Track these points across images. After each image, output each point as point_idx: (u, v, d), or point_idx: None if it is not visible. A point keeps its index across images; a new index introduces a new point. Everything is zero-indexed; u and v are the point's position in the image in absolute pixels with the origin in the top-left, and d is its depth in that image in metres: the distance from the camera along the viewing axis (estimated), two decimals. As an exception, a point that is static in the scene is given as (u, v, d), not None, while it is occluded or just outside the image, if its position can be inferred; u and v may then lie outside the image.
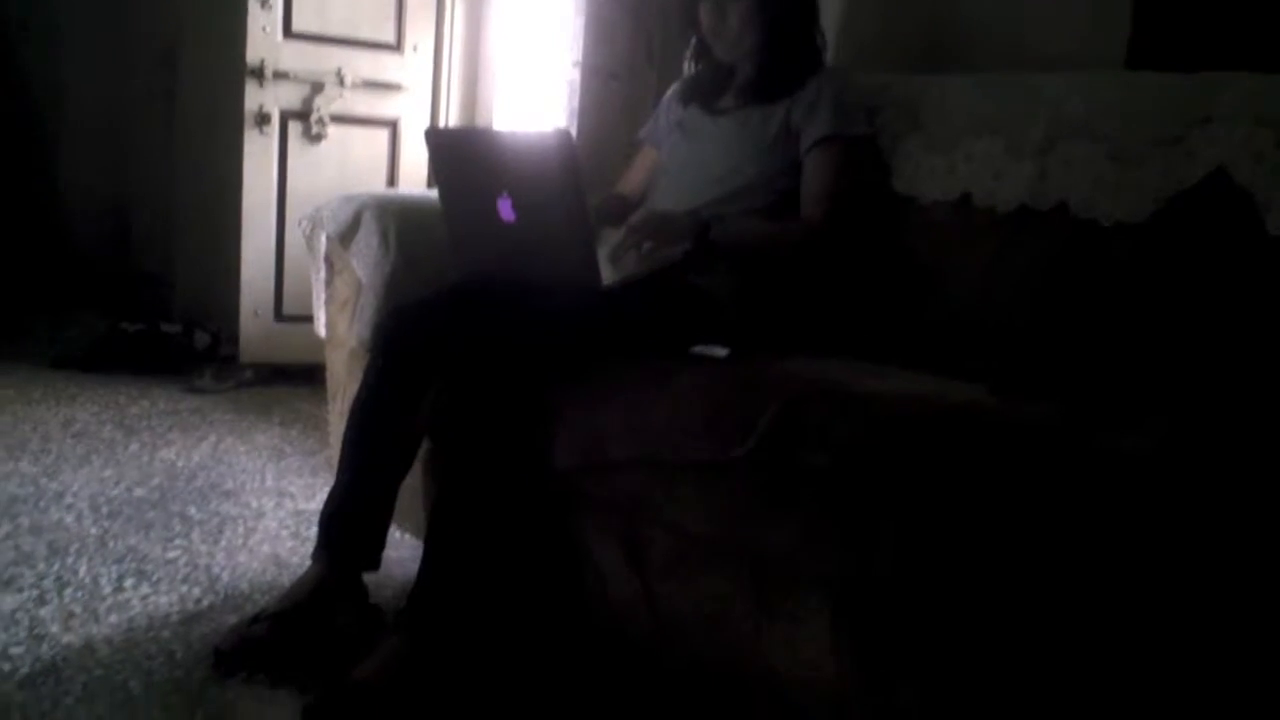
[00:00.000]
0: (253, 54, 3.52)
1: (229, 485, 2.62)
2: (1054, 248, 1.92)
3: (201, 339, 3.94)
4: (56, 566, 2.06)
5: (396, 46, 3.73)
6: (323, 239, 2.32)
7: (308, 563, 1.88)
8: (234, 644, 1.76)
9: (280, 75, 3.55)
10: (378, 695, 1.62)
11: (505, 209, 1.81)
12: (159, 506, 2.43)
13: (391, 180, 3.78)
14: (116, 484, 2.56)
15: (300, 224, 2.43)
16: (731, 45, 2.12)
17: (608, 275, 1.88)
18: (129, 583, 2.02)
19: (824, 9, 2.22)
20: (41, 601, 1.91)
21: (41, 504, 2.39)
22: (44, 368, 3.67)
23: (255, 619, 1.80)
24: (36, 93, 4.52)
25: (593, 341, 1.83)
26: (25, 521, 2.28)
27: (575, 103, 2.89)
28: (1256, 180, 1.71)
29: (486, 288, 1.90)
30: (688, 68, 2.29)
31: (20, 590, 1.95)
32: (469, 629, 1.72)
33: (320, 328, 2.42)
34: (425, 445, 1.89)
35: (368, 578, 1.88)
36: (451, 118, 3.88)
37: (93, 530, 2.26)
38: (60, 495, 2.45)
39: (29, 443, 2.82)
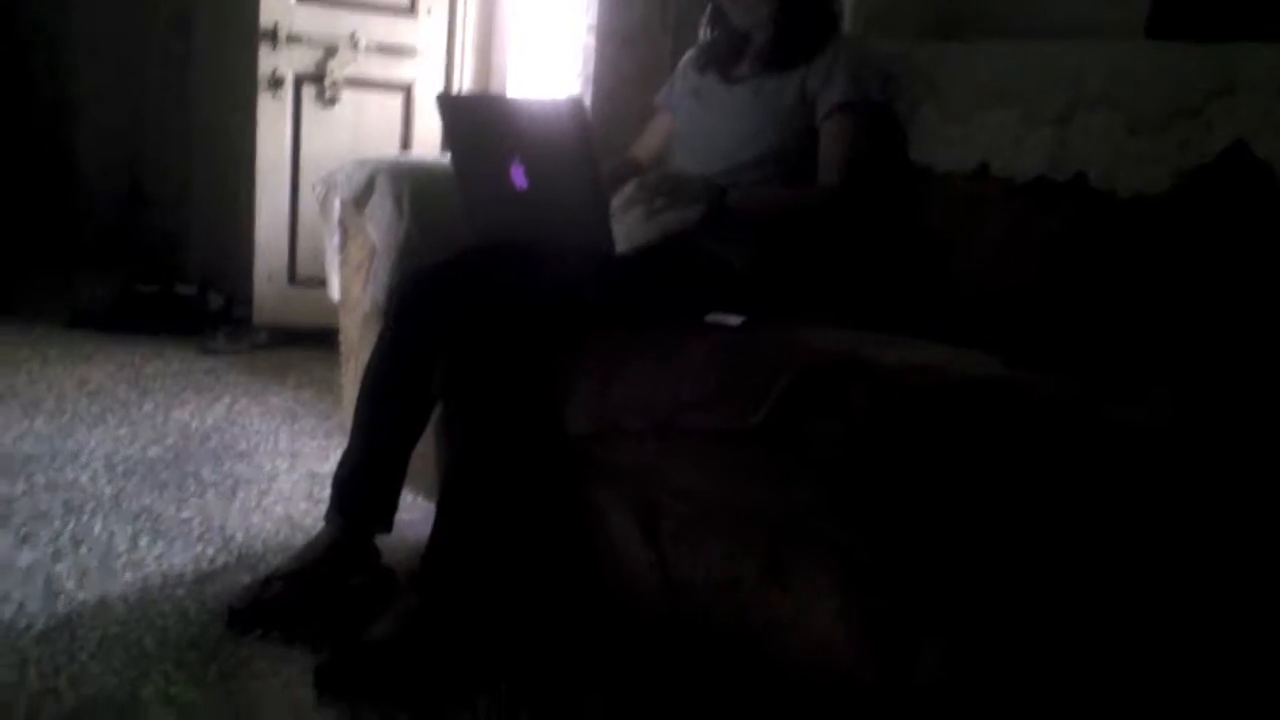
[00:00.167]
0: (266, 17, 3.52)
1: (243, 446, 2.64)
2: (1071, 219, 1.90)
3: (215, 301, 3.96)
4: (72, 524, 2.08)
5: (411, 10, 3.72)
6: (336, 203, 2.31)
7: (321, 524, 1.89)
8: (248, 603, 1.78)
9: (294, 38, 3.54)
10: (390, 655, 1.63)
11: (518, 175, 1.81)
12: (173, 466, 2.45)
13: (405, 145, 3.78)
14: (131, 443, 2.58)
15: (314, 188, 2.43)
16: (748, 11, 2.10)
17: (620, 241, 1.87)
18: (144, 541, 2.03)
19: (840, -25, 2.20)
20: (57, 558, 1.93)
21: (57, 462, 2.40)
22: (60, 327, 3.70)
23: (269, 579, 1.81)
24: (51, 55, 4.52)
25: (606, 308, 1.82)
26: (41, 479, 2.29)
27: (589, 68, 2.89)
28: (1277, 153, 1.70)
29: (500, 253, 1.90)
30: (703, 33, 2.28)
31: (36, 547, 1.97)
32: (481, 591, 1.74)
33: (334, 291, 2.42)
34: (438, 409, 1.90)
35: (380, 540, 1.89)
36: (465, 83, 3.86)
37: (108, 489, 2.28)
38: (76, 454, 2.47)
39: (44, 402, 2.84)
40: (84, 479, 2.32)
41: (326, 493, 1.90)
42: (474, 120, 1.94)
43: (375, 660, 1.63)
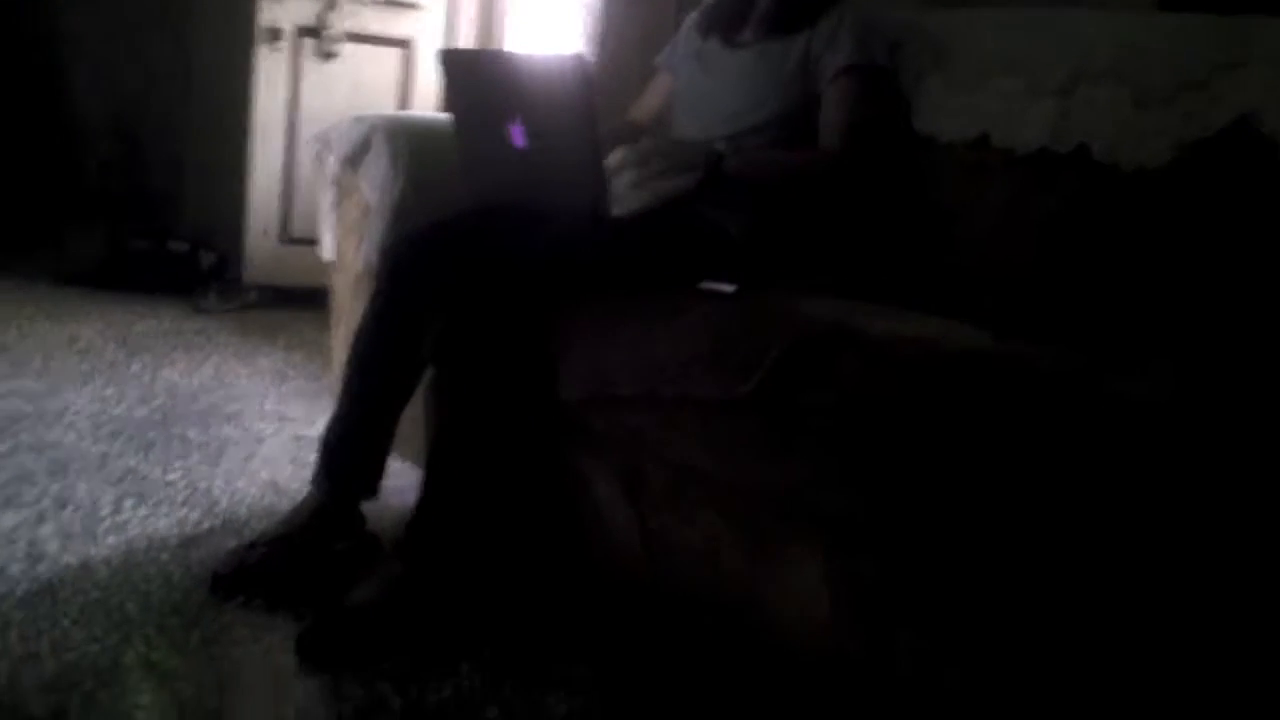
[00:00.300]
0: (267, -34, 3.47)
1: (230, 408, 2.62)
2: (1073, 191, 1.87)
3: (207, 258, 3.92)
4: (56, 486, 2.06)
5: (413, -37, 3.67)
6: (332, 161, 2.28)
7: (307, 488, 1.87)
8: (232, 568, 1.76)
9: (294, -11, 3.50)
10: (373, 621, 1.63)
11: (517, 134, 1.78)
12: (160, 428, 2.42)
13: (404, 103, 3.74)
14: (118, 404, 2.55)
15: (310, 144, 2.40)
16: (752, -29, 2.06)
17: (617, 205, 1.85)
18: (128, 504, 2.01)
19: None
20: (40, 520, 1.91)
21: (43, 422, 2.38)
22: (50, 284, 3.67)
23: (253, 544, 1.80)
24: (45, 6, 4.46)
25: (600, 272, 1.80)
26: (26, 439, 2.27)
27: (593, 27, 2.84)
28: (1282, 128, 1.67)
29: (495, 214, 1.87)
30: (707, -7, 2.24)
31: (20, 509, 1.95)
32: (465, 559, 1.72)
33: (326, 251, 2.39)
34: (428, 374, 1.87)
35: (366, 506, 1.88)
36: (467, 39, 3.81)
37: (93, 450, 2.25)
38: (61, 413, 2.44)
39: (32, 359, 2.81)
40: (69, 439, 2.30)
41: (313, 457, 1.88)
42: (475, 77, 1.91)
43: (358, 627, 1.62)
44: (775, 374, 1.43)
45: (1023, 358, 1.37)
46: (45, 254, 3.97)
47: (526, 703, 1.53)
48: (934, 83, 2.08)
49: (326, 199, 2.35)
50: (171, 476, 2.16)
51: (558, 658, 1.65)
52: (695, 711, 1.59)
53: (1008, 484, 1.23)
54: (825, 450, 1.39)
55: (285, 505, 1.99)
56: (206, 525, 1.97)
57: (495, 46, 3.81)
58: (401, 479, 2.00)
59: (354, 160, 2.19)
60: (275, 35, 3.50)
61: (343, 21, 3.56)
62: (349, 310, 2.22)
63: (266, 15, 3.49)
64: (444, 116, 2.05)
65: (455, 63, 1.97)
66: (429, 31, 3.71)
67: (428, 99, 3.72)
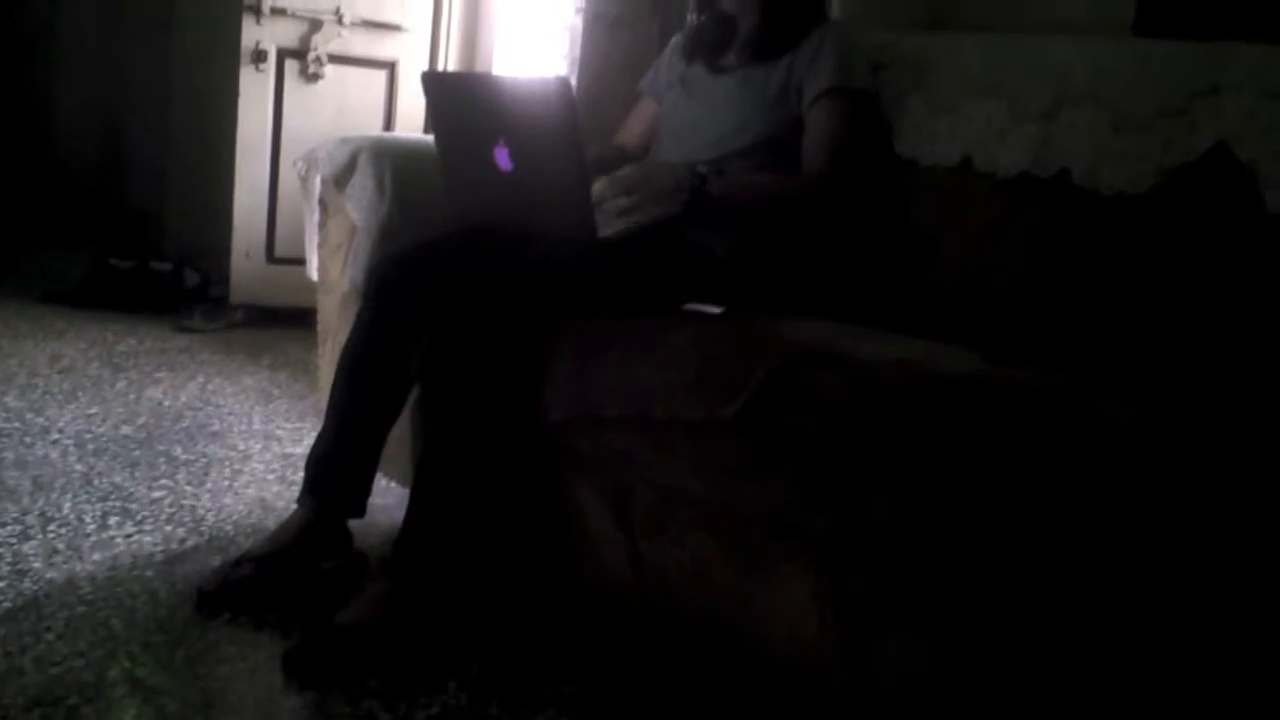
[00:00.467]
0: (250, -13, 3.48)
1: (216, 426, 2.61)
2: (1053, 215, 1.90)
3: (192, 278, 3.92)
4: (41, 502, 2.05)
5: (397, -15, 3.68)
6: (317, 181, 2.29)
7: (293, 507, 1.88)
8: (217, 585, 1.76)
9: (278, 11, 3.51)
10: (360, 639, 1.63)
11: (502, 157, 1.79)
12: (145, 445, 2.42)
13: (388, 124, 3.74)
14: (103, 421, 2.55)
15: (295, 165, 2.41)
16: (736, -6, 2.09)
17: (603, 230, 1.86)
18: (113, 521, 2.01)
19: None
20: (25, 537, 1.91)
21: (27, 439, 2.38)
22: (33, 302, 3.65)
23: (239, 561, 1.80)
24: (30, 22, 4.45)
25: (586, 293, 1.81)
26: (10, 456, 2.27)
27: (577, 51, 2.86)
28: (1260, 156, 1.70)
29: (481, 236, 1.88)
30: (691, 18, 2.26)
31: (4, 525, 1.94)
32: (452, 578, 1.72)
33: (312, 271, 2.40)
34: (414, 393, 1.88)
35: (353, 524, 1.88)
36: (451, 62, 3.83)
37: (78, 467, 2.25)
38: (46, 431, 2.44)
39: (16, 377, 2.81)
40: (54, 456, 2.30)
41: (299, 475, 1.89)
42: (459, 100, 1.93)
43: (344, 645, 1.62)
44: (760, 396, 1.44)
45: (1006, 380, 1.38)
46: (28, 273, 3.96)
47: (514, 720, 1.54)
48: (915, 104, 2.10)
49: (312, 219, 2.36)
50: (157, 494, 2.16)
51: (546, 676, 1.65)
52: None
53: (992, 505, 1.24)
54: (807, 473, 1.40)
55: (272, 523, 1.99)
56: (192, 542, 1.96)
57: (479, 69, 3.83)
58: (388, 497, 2.01)
59: (339, 181, 2.20)
60: (260, 57, 3.51)
61: (327, 43, 3.57)
62: (335, 329, 2.23)
63: (250, 36, 3.50)
64: (430, 138, 2.06)
65: (439, 85, 1.98)
66: (413, 53, 3.73)
67: (413, 120, 3.73)
